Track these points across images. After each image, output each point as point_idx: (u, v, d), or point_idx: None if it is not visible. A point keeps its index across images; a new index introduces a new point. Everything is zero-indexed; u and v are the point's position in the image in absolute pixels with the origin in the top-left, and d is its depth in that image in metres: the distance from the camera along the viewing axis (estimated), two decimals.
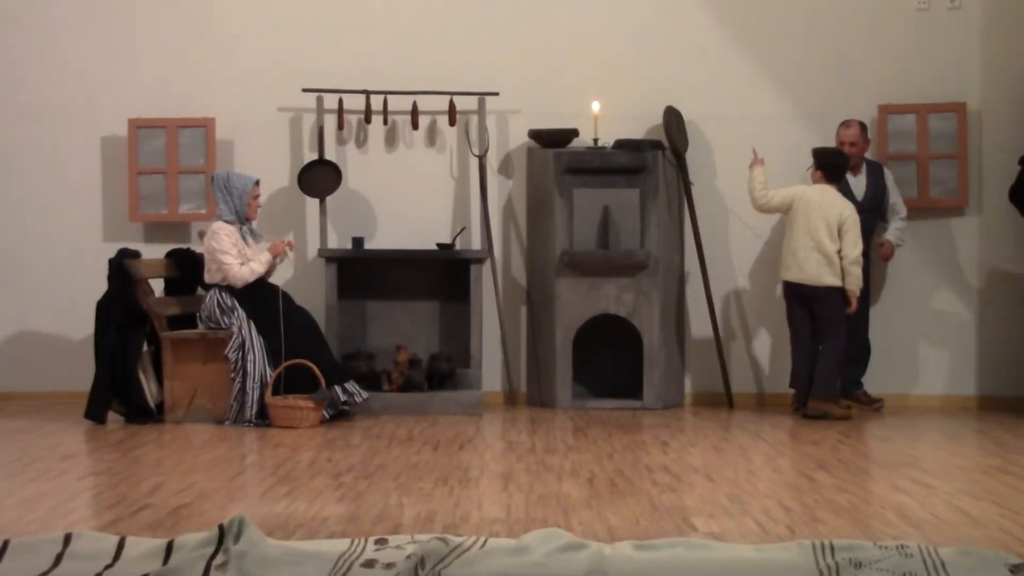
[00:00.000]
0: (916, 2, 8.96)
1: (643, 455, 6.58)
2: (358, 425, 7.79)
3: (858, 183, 8.52)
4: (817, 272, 8.04)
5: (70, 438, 7.25)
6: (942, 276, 8.95)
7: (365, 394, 8.09)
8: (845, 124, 8.56)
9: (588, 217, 8.64)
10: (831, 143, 8.56)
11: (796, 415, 8.23)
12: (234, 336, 7.86)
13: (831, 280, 8.04)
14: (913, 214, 8.83)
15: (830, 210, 8.04)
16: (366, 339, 8.92)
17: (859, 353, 8.60)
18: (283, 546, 4.15)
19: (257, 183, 8.18)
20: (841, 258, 8.03)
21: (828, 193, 8.13)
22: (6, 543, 4.14)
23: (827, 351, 8.11)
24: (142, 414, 7.94)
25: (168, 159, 8.92)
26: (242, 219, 8.10)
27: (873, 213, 8.50)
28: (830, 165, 8.18)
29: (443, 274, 8.96)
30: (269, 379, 7.78)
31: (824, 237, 8.02)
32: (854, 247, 8.02)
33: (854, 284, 8.03)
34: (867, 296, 8.56)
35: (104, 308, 8.07)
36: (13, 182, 9.05)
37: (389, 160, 9.10)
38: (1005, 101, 8.88)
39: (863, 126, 8.58)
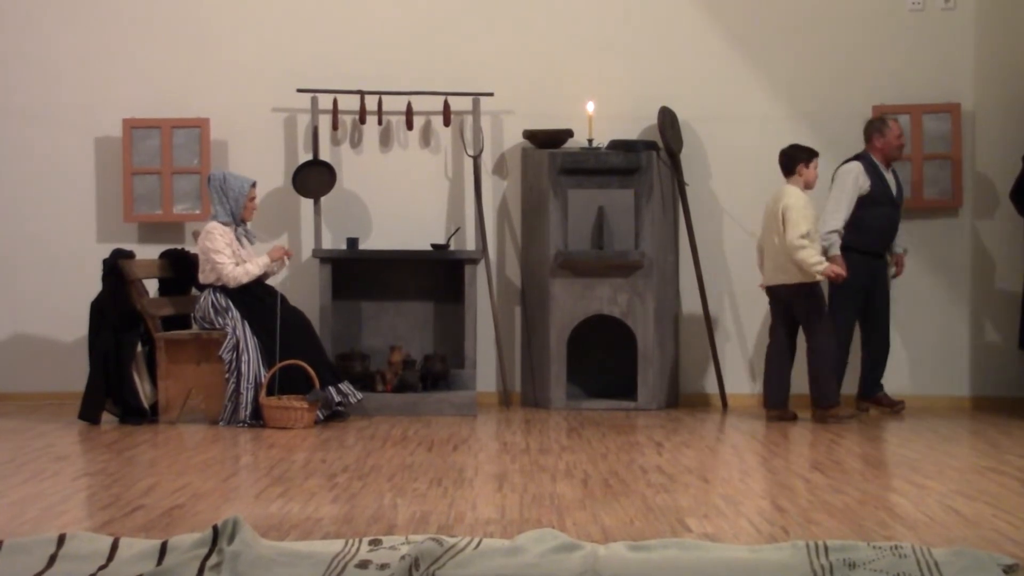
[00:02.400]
0: (910, 2, 8.98)
1: (637, 456, 6.58)
2: (352, 426, 7.78)
3: (891, 179, 8.48)
4: (784, 270, 7.94)
5: (64, 439, 7.24)
6: (935, 277, 8.97)
7: (359, 395, 8.09)
8: (895, 119, 8.49)
9: (582, 218, 8.64)
10: (825, 143, 8.58)
11: (768, 416, 8.09)
12: (228, 337, 7.85)
13: (799, 277, 7.88)
14: (907, 214, 8.84)
15: (777, 206, 7.93)
16: (360, 340, 8.92)
17: (880, 353, 8.55)
18: (277, 547, 4.15)
19: (254, 185, 8.18)
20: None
21: (779, 192, 8.01)
22: None
23: (815, 356, 7.95)
24: (136, 415, 7.93)
25: (162, 159, 8.92)
26: (237, 220, 8.10)
27: (901, 208, 8.48)
28: (780, 164, 8.14)
29: (437, 274, 8.96)
30: (263, 380, 7.78)
31: (774, 235, 7.93)
32: (789, 232, 7.78)
33: (808, 269, 7.75)
34: (887, 295, 8.52)
35: (98, 309, 8.06)
36: (7, 182, 9.05)
37: (384, 160, 9.11)
38: (999, 102, 8.89)
39: None
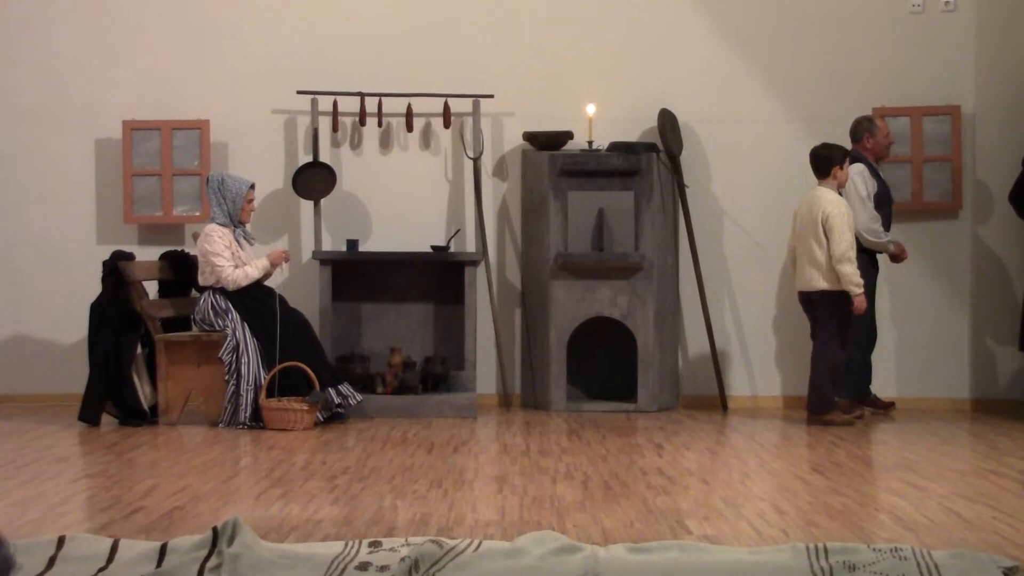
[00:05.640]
0: (910, 5, 8.98)
1: (637, 458, 6.58)
2: (352, 427, 7.78)
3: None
4: (810, 277, 7.89)
5: (64, 440, 7.24)
6: (935, 279, 8.96)
7: (359, 396, 8.09)
8: (881, 118, 8.48)
9: (582, 219, 8.64)
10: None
11: (809, 419, 8.03)
12: (228, 338, 7.85)
13: (822, 284, 7.83)
14: (907, 216, 8.84)
15: (814, 211, 7.86)
16: (360, 341, 8.92)
17: (869, 353, 8.47)
18: (277, 549, 4.15)
19: (252, 187, 8.18)
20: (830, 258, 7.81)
21: (814, 195, 7.94)
22: None
23: (818, 360, 7.92)
24: (136, 416, 7.93)
25: (162, 161, 8.92)
26: (235, 222, 8.10)
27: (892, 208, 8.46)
28: (812, 165, 8.11)
29: (437, 276, 8.96)
30: (263, 381, 7.77)
31: (811, 240, 7.85)
32: (837, 244, 7.74)
33: (847, 283, 7.75)
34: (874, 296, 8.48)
35: (98, 310, 8.06)
36: (8, 184, 9.04)
37: (384, 162, 9.11)
38: (999, 104, 8.89)
39: None
